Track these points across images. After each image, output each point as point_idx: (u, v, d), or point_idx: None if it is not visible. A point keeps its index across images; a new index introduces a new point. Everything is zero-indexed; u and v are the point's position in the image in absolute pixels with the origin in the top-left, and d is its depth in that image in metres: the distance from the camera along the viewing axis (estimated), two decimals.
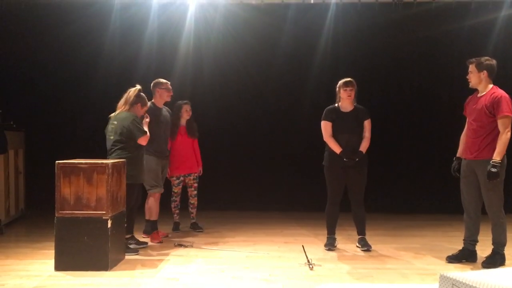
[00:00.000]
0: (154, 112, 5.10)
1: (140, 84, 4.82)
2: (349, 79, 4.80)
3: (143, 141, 4.60)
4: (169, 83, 5.32)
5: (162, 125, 5.24)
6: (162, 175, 5.32)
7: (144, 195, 5.16)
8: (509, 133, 4.07)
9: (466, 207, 4.38)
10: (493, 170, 4.00)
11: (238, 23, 6.82)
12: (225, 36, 6.88)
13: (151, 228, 5.19)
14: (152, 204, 5.16)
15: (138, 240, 4.84)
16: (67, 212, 4.03)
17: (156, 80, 5.30)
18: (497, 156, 4.04)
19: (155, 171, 5.13)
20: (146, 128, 4.69)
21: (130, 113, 4.64)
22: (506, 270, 1.43)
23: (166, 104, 5.40)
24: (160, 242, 5.07)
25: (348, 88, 4.76)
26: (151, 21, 6.73)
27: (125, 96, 4.73)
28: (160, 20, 6.76)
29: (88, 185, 4.04)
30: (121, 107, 4.69)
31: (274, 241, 5.21)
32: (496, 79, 4.32)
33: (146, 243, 4.94)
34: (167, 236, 5.34)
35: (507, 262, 4.16)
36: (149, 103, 5.00)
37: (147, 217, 5.23)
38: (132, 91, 4.73)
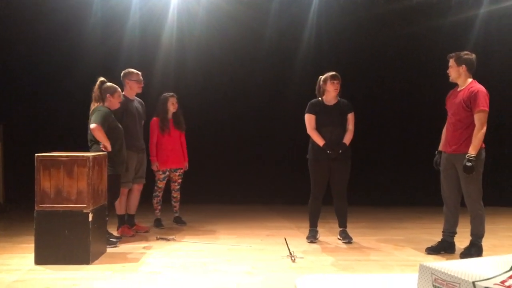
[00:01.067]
0: (125, 104, 4.96)
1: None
2: (334, 72, 4.82)
3: (93, 131, 4.44)
4: (140, 73, 5.13)
5: (135, 117, 5.08)
6: (142, 169, 5.22)
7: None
8: (484, 128, 4.13)
9: (446, 200, 4.46)
10: (468, 164, 4.07)
11: (221, 16, 6.78)
12: (208, 29, 6.84)
13: (120, 223, 5.09)
14: (120, 199, 5.00)
15: (112, 234, 4.79)
16: (47, 205, 3.97)
17: (126, 70, 5.10)
18: (472, 150, 4.10)
19: (127, 165, 4.91)
20: (102, 140, 4.47)
21: (101, 106, 4.57)
22: (482, 259, 1.47)
23: (138, 95, 5.24)
24: (132, 235, 5.01)
25: (335, 81, 4.78)
26: (132, 13, 6.64)
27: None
28: (142, 11, 6.68)
29: (68, 178, 3.99)
30: (94, 105, 4.62)
31: (257, 234, 5.23)
32: (476, 74, 4.39)
33: (120, 237, 4.88)
34: (147, 231, 5.27)
35: (484, 253, 4.25)
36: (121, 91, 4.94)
37: (117, 212, 5.09)
38: (96, 87, 4.63)
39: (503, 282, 1.27)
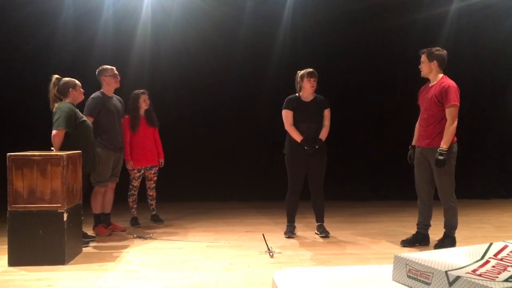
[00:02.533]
0: (103, 102, 4.90)
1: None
2: (311, 69, 4.85)
3: (53, 136, 4.32)
4: (114, 68, 5.06)
5: (113, 115, 5.00)
6: (117, 167, 5.15)
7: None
8: (456, 122, 4.23)
9: (420, 193, 4.55)
10: (440, 157, 4.17)
11: (196, 13, 6.74)
12: (183, 26, 6.79)
13: (96, 222, 5.03)
14: (96, 198, 4.97)
15: (86, 234, 4.71)
16: (20, 205, 3.89)
17: (100, 68, 5.02)
18: (444, 144, 4.19)
19: (103, 164, 4.86)
20: (55, 147, 4.33)
21: (64, 103, 4.45)
22: (455, 249, 1.51)
23: (116, 91, 5.17)
24: (109, 234, 4.97)
25: (312, 79, 4.81)
26: (105, 8, 6.53)
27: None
28: (115, 7, 6.58)
29: (42, 177, 3.91)
30: (54, 105, 4.48)
31: (235, 230, 5.24)
32: (447, 70, 4.49)
33: (94, 236, 4.82)
34: (124, 230, 5.21)
35: (457, 244, 4.36)
36: (97, 93, 4.85)
37: (93, 211, 5.02)
38: (51, 85, 4.49)
39: (474, 271, 1.30)
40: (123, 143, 5.21)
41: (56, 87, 4.51)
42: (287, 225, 4.99)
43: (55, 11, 6.42)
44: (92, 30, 6.55)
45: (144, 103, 5.42)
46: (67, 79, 4.56)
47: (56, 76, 4.55)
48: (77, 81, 4.63)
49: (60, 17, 6.45)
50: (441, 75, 4.39)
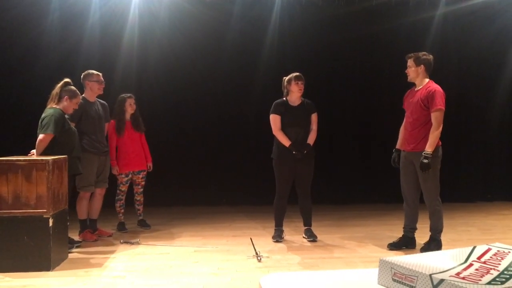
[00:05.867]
0: (84, 107, 4.85)
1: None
2: (298, 73, 4.87)
3: (39, 141, 4.26)
4: (100, 74, 5.03)
5: (94, 120, 4.96)
6: (104, 172, 5.11)
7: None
8: (441, 126, 4.28)
9: (405, 197, 4.58)
10: (425, 161, 4.21)
11: (183, 16, 6.74)
12: (171, 29, 6.78)
13: (82, 228, 4.98)
14: (81, 203, 4.93)
15: (72, 239, 4.66)
16: (5, 211, 3.84)
17: (86, 72, 4.99)
18: (428, 148, 4.24)
19: (86, 168, 4.79)
20: (38, 151, 4.26)
21: (55, 108, 4.42)
22: (440, 252, 1.52)
23: (100, 97, 5.14)
24: (95, 240, 4.92)
25: (299, 82, 4.83)
26: (92, 12, 6.50)
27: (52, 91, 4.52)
28: (102, 11, 6.54)
29: (27, 182, 3.87)
30: (49, 103, 4.48)
31: (223, 235, 5.23)
32: (433, 74, 4.54)
33: (80, 242, 4.77)
34: (111, 235, 5.16)
35: (443, 247, 4.41)
36: (80, 97, 4.84)
37: (78, 217, 4.98)
38: (58, 85, 4.51)
39: (458, 274, 1.32)
40: (108, 147, 5.17)
41: (60, 89, 4.50)
42: (275, 229, 4.99)
43: (41, 15, 6.36)
44: (78, 34, 6.49)
45: (130, 107, 5.39)
46: (73, 88, 4.57)
47: (67, 79, 4.57)
48: (79, 96, 4.63)
49: (46, 21, 6.39)
50: (427, 80, 4.44)
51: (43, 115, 4.41)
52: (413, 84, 4.56)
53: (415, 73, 4.43)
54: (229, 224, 5.85)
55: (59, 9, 6.42)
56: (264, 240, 4.89)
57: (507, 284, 1.23)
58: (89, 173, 4.88)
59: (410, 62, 4.45)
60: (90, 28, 6.54)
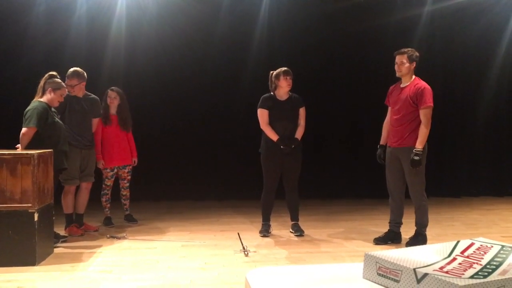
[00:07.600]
0: (70, 99, 4.85)
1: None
2: (287, 68, 4.87)
3: (22, 134, 4.22)
4: (84, 75, 4.98)
5: (78, 114, 4.93)
6: (89, 167, 5.06)
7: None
8: (429, 123, 4.32)
9: (391, 192, 4.63)
10: (416, 158, 4.25)
11: (172, 10, 6.68)
12: (159, 23, 6.72)
13: (67, 222, 4.94)
14: (66, 197, 4.89)
15: (58, 234, 4.62)
16: None
17: (73, 70, 4.95)
18: (419, 145, 4.28)
19: (68, 162, 4.69)
20: (22, 145, 4.23)
21: (39, 102, 4.37)
22: (425, 247, 1.55)
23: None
24: (81, 235, 4.89)
25: (288, 77, 4.83)
26: (79, 4, 6.41)
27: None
28: (88, 3, 6.46)
29: (12, 177, 3.83)
30: (36, 96, 4.44)
31: (210, 229, 5.23)
32: (419, 71, 4.57)
33: (66, 237, 4.74)
34: (97, 230, 5.13)
35: (428, 242, 4.47)
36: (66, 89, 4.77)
37: (64, 211, 4.94)
38: (43, 78, 4.47)
39: (441, 268, 1.34)
40: (92, 142, 5.13)
41: (44, 81, 4.44)
42: (262, 224, 5.01)
43: (27, 7, 6.26)
44: (64, 27, 6.39)
45: (110, 100, 5.34)
46: (57, 80, 4.50)
47: (51, 72, 4.51)
48: (64, 88, 4.56)
49: (31, 13, 6.28)
50: (414, 77, 4.47)
51: (26, 109, 4.36)
52: (397, 80, 4.57)
53: (408, 69, 4.42)
54: (217, 219, 5.85)
55: (45, 1, 6.31)
56: (251, 235, 4.91)
57: (489, 278, 1.26)
58: (71, 166, 4.81)
59: (403, 58, 4.39)
60: (76, 21, 6.44)
